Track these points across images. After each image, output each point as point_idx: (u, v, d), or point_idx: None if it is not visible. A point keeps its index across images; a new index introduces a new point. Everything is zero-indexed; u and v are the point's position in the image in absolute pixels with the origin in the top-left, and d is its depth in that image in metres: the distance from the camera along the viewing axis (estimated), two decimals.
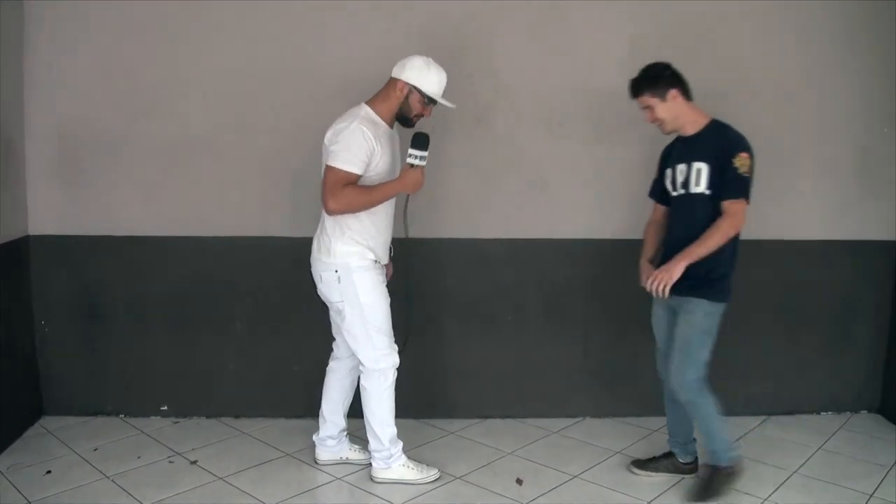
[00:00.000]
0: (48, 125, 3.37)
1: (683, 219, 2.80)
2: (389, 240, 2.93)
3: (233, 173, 3.42)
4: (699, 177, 2.72)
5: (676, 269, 2.63)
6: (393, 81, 2.77)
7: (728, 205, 2.65)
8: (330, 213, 2.70)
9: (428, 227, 3.43)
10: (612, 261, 3.45)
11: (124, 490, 2.88)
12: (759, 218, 3.52)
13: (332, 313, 2.96)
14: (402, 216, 2.91)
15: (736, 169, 2.63)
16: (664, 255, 2.82)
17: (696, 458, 3.04)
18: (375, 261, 2.84)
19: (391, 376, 2.90)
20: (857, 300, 3.66)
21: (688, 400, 2.79)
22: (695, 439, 3.01)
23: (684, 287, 2.68)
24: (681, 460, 3.04)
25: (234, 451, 3.25)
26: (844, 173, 3.57)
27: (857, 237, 3.60)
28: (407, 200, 2.91)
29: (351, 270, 2.78)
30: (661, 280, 2.64)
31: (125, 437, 3.36)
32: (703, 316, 2.75)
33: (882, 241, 3.61)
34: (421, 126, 2.84)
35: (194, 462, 3.13)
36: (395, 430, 2.96)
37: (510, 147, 3.45)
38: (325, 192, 2.66)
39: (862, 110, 3.52)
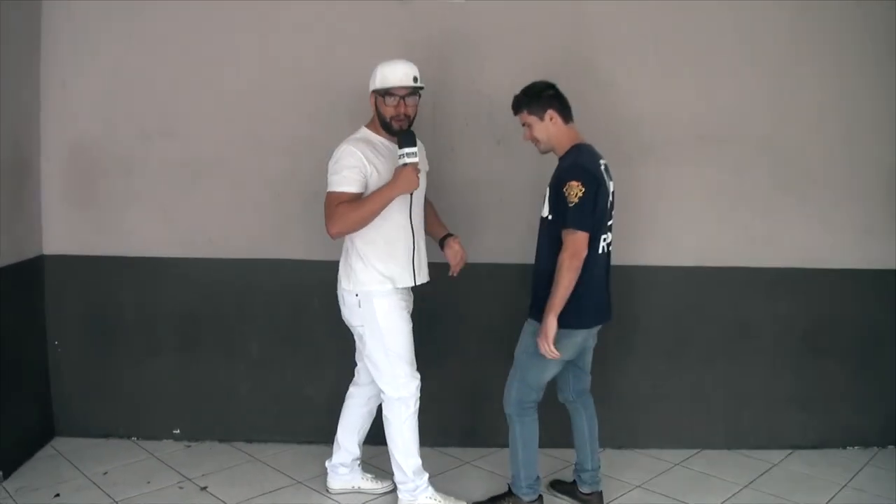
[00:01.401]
0: (63, 145, 3.37)
1: (537, 242, 2.79)
2: (417, 257, 2.80)
3: (247, 195, 3.40)
4: (545, 201, 2.71)
5: (548, 327, 2.57)
6: None
7: (563, 235, 2.61)
8: (332, 236, 2.66)
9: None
10: (629, 287, 3.37)
11: None
12: (783, 245, 3.47)
13: (356, 338, 2.91)
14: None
15: (565, 198, 2.58)
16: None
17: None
18: (396, 287, 2.77)
19: (413, 405, 2.83)
20: (885, 331, 3.54)
21: (508, 414, 2.84)
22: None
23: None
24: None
25: (244, 477, 3.20)
26: (872, 200, 3.47)
27: (885, 266, 3.50)
28: (411, 207, 2.75)
29: (371, 296, 2.74)
30: (543, 347, 2.60)
31: (136, 461, 3.32)
32: (529, 336, 2.74)
33: None
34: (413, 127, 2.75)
35: (204, 488, 3.09)
36: (419, 460, 2.88)
37: (530, 168, 3.37)
38: (325, 219, 2.64)
39: (891, 135, 3.42)
